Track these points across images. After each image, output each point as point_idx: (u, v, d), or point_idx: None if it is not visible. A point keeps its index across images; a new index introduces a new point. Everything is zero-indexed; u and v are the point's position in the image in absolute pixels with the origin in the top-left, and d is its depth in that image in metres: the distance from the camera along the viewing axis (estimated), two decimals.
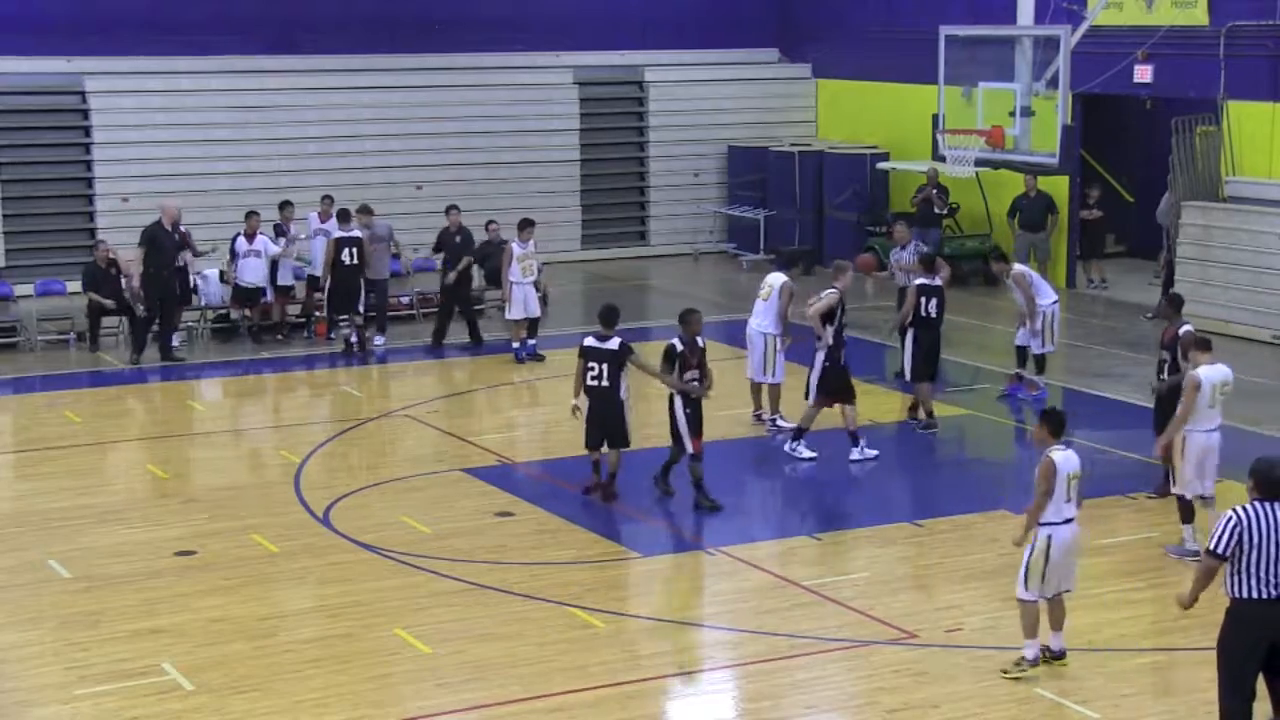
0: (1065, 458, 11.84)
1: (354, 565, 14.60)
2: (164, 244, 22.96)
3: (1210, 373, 14.44)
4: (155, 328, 23.15)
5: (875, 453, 17.71)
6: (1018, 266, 20.38)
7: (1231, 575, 10.21)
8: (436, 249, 24.05)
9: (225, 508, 16.29)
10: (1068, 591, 12.14)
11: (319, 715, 11.56)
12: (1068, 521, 11.89)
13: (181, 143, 28.20)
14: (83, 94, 28.01)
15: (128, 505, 16.50)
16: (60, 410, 20.56)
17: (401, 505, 16.34)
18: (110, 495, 16.96)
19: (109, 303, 23.36)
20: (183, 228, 23.77)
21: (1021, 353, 20.20)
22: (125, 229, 27.30)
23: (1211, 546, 10.20)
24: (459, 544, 15.09)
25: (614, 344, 16.06)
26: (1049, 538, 11.82)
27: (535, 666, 12.33)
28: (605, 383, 16.01)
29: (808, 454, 17.73)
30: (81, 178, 28.02)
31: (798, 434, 17.87)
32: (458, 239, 23.63)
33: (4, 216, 26.96)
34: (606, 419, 16.13)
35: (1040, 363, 20.21)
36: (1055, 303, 20.13)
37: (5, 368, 22.53)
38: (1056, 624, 12.12)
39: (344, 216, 23.60)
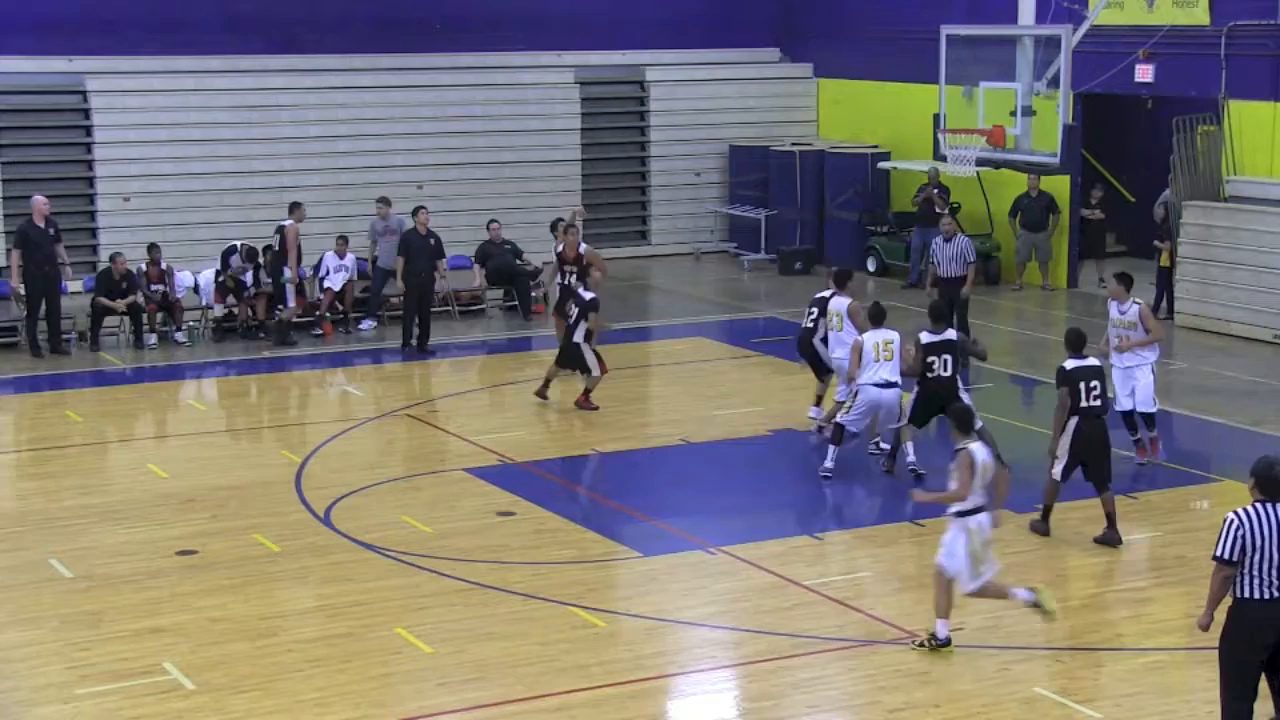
0: (983, 451, 12.55)
1: (355, 565, 14.61)
2: (37, 241, 22.99)
3: (874, 334, 16.84)
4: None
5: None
6: (1140, 301, 17.63)
7: (1234, 575, 10.20)
8: (399, 251, 23.53)
9: (226, 507, 16.30)
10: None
11: (320, 715, 11.57)
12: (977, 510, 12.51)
13: (183, 142, 28.18)
14: (84, 94, 27.99)
15: (129, 505, 16.50)
16: (61, 410, 20.57)
17: (403, 505, 16.35)
18: (111, 495, 16.96)
19: (118, 305, 23.42)
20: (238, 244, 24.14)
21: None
22: (127, 229, 27.44)
23: (1218, 553, 10.18)
24: (460, 543, 15.10)
25: (589, 295, 19.74)
26: (969, 528, 12.53)
27: (536, 666, 12.34)
28: (571, 321, 19.85)
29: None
30: (83, 177, 28.01)
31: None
32: (431, 241, 23.49)
33: (5, 216, 26.96)
34: (566, 350, 19.94)
35: None
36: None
37: (5, 368, 22.54)
38: (1006, 593, 12.78)
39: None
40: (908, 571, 14.55)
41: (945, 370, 16.72)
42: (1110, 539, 15.10)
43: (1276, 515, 10.15)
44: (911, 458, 17.01)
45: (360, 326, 24.79)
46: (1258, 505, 10.19)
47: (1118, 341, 17.18)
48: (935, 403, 16.75)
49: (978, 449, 12.51)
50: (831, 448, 17.16)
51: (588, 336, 19.68)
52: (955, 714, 11.51)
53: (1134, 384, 17.14)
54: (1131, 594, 13.99)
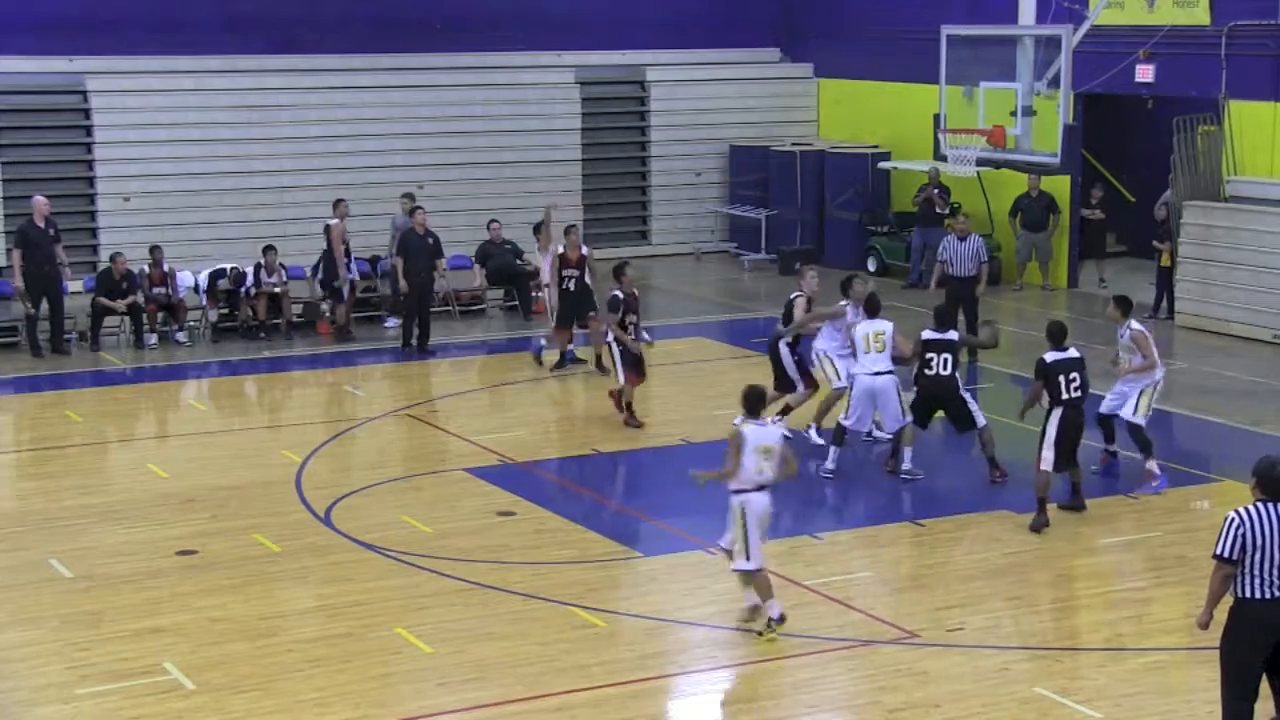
0: (756, 431, 12.71)
1: (355, 565, 14.60)
2: (37, 241, 23.03)
3: (865, 326, 17.06)
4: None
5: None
6: (1137, 325, 16.89)
7: (1235, 575, 10.20)
8: (398, 251, 23.53)
9: (227, 507, 16.30)
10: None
11: (320, 715, 11.56)
12: (760, 489, 12.73)
13: (183, 142, 28.18)
14: (84, 93, 27.99)
15: (129, 505, 16.49)
16: (61, 410, 20.57)
17: (403, 505, 16.35)
18: (112, 495, 16.96)
19: (119, 305, 23.46)
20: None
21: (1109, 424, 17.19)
22: (126, 229, 27.43)
23: (1218, 552, 10.17)
24: (460, 543, 15.09)
25: (615, 291, 18.90)
26: (744, 505, 12.69)
27: (536, 666, 12.33)
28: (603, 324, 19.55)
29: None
30: (83, 177, 28.00)
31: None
32: (430, 241, 23.51)
33: (5, 216, 26.96)
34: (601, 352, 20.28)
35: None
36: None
37: (5, 367, 22.54)
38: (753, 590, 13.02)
39: None
40: (908, 571, 14.57)
41: (944, 369, 16.79)
42: (1075, 505, 15.79)
43: (1277, 515, 10.14)
44: (908, 464, 16.99)
45: (386, 324, 24.75)
46: (1259, 504, 10.19)
47: (1121, 365, 16.91)
48: (933, 401, 16.90)
49: (751, 430, 12.69)
50: (833, 448, 17.16)
51: (619, 339, 18.95)
52: (955, 714, 11.51)
53: (1126, 397, 16.87)
54: (1131, 594, 13.99)
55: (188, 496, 16.75)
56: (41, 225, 23.18)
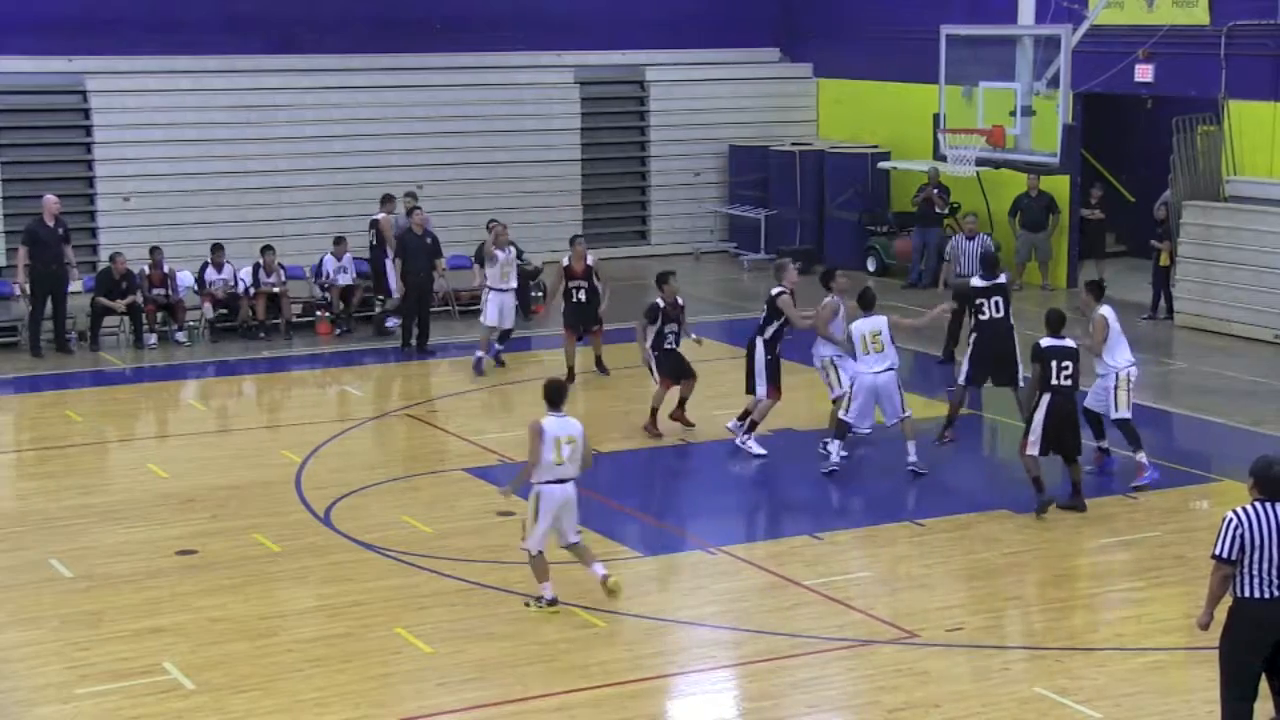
0: (556, 423, 13.03)
1: (355, 565, 14.61)
2: (46, 240, 23.03)
3: (861, 325, 16.95)
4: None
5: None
6: (1101, 311, 16.78)
7: (1234, 575, 10.21)
8: (397, 252, 23.58)
9: (226, 507, 16.30)
10: (575, 544, 13.40)
11: (320, 715, 11.57)
12: (560, 481, 13.11)
13: (182, 142, 28.19)
14: (84, 93, 28.00)
15: (129, 505, 16.49)
16: (61, 410, 20.57)
17: (402, 505, 16.35)
18: (111, 495, 16.96)
19: (118, 305, 23.45)
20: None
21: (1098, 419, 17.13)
22: (126, 228, 27.43)
23: (1216, 552, 10.18)
24: (460, 543, 15.10)
25: (656, 300, 18.83)
26: (538, 495, 13.09)
27: (536, 666, 12.34)
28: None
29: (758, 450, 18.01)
30: (83, 177, 28.00)
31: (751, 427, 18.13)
32: (428, 241, 23.50)
33: (5, 216, 26.97)
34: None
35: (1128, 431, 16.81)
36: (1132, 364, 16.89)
37: (5, 367, 22.54)
38: (589, 561, 13.47)
39: None
40: (908, 571, 14.56)
41: (997, 311, 17.30)
42: (1076, 505, 15.83)
43: (1276, 514, 10.15)
44: (913, 456, 17.02)
45: (387, 324, 24.73)
46: (1257, 504, 10.19)
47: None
48: (992, 348, 17.39)
49: (550, 422, 13.01)
50: (837, 443, 17.16)
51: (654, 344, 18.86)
52: (955, 714, 11.51)
53: (1107, 394, 16.82)
54: (1131, 594, 13.99)
55: (188, 496, 16.75)
56: (50, 224, 23.19)
